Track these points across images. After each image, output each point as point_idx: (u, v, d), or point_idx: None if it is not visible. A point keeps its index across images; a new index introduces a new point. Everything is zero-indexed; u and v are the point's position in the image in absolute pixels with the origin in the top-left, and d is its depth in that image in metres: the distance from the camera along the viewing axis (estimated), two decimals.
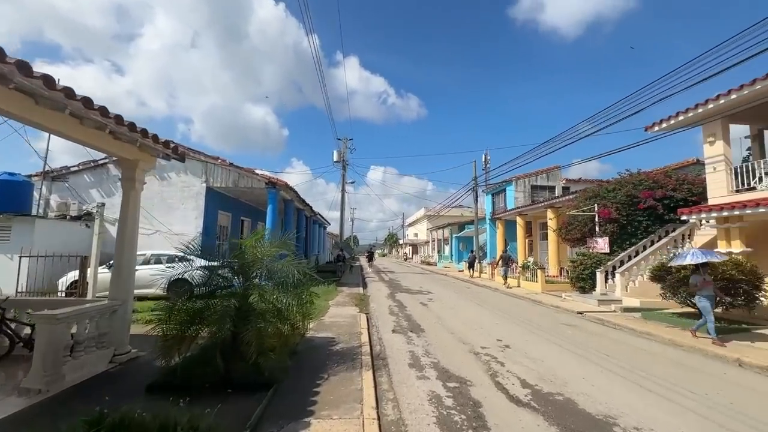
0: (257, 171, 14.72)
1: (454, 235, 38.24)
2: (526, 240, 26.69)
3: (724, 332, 7.69)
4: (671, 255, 12.10)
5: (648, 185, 13.21)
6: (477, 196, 26.34)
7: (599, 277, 12.85)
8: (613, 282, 12.74)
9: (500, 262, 18.45)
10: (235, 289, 5.30)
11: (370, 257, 32.10)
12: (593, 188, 14.59)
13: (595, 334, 8.06)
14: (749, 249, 9.56)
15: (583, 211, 13.92)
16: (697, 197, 12.80)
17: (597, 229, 13.60)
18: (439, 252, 45.19)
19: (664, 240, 12.31)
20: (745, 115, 10.58)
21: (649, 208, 12.92)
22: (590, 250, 13.67)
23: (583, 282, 13.31)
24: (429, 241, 53.11)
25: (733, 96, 9.60)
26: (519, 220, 23.01)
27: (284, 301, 5.05)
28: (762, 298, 8.16)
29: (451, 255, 40.30)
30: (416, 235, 66.62)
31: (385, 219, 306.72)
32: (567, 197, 16.79)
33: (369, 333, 7.48)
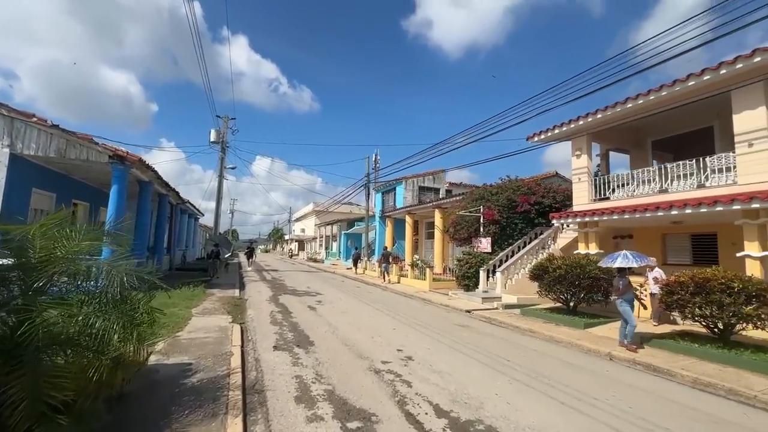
0: (102, 142, 11.10)
1: (343, 232, 37.53)
2: (414, 238, 27.55)
3: (591, 325, 8.49)
4: (542, 255, 13.41)
5: (524, 191, 14.46)
6: (369, 193, 26.05)
7: (482, 275, 13.48)
8: (494, 280, 13.51)
9: (381, 259, 18.84)
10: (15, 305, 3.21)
11: (250, 253, 28.08)
12: (479, 191, 15.39)
13: (487, 335, 7.99)
14: (602, 251, 10.99)
15: (470, 212, 14.52)
16: (559, 204, 14.50)
17: (482, 229, 14.32)
18: (327, 249, 43.98)
19: (535, 241, 13.55)
20: (599, 137, 12.25)
21: (525, 211, 14.13)
22: (475, 250, 14.32)
23: (468, 280, 13.83)
24: (317, 238, 51.45)
25: (599, 115, 10.84)
26: (408, 219, 23.45)
27: (100, 323, 3.22)
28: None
29: (340, 252, 39.54)
30: (303, 230, 64.09)
31: (270, 213, 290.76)
32: (456, 198, 17.51)
33: (243, 352, 5.84)
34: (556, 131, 11.90)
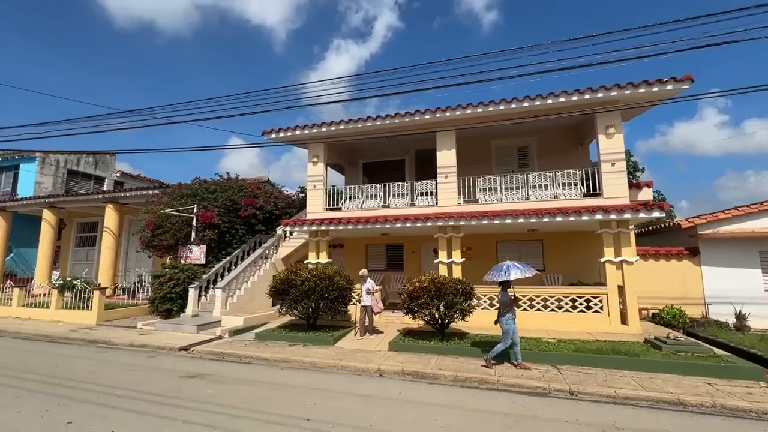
0: None
1: None
2: (54, 245, 18.43)
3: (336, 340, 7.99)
4: (265, 266, 12.00)
5: (249, 193, 12.63)
6: None
7: (192, 294, 10.34)
8: (207, 299, 10.70)
9: None
10: None
11: None
12: (191, 186, 12.02)
13: (240, 383, 5.68)
14: (330, 260, 11.10)
15: (180, 212, 10.95)
16: (280, 211, 13.75)
17: (194, 234, 11.10)
18: None
19: (258, 251, 11.99)
20: (337, 149, 12.67)
21: (249, 216, 12.28)
22: (182, 261, 10.85)
23: (171, 303, 10.18)
24: None
25: (333, 128, 11.07)
26: (48, 216, 15.21)
27: None
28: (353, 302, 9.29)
29: None
30: None
31: None
32: (151, 191, 12.83)
33: None
34: (297, 132, 11.14)
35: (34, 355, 7.25)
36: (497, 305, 9.54)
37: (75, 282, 10.78)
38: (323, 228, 10.58)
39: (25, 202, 15.63)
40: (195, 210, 11.15)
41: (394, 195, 11.05)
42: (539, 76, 7.40)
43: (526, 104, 9.29)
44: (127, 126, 11.69)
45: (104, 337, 8.66)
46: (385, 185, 11.19)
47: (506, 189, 10.24)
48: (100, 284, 11.02)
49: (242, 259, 12.05)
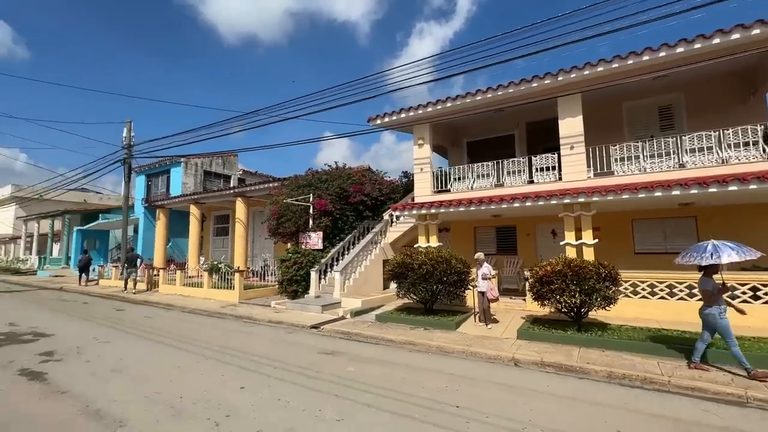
0: None
1: (76, 228, 26.07)
2: (199, 235, 21.84)
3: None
4: (375, 250, 12.33)
5: (356, 180, 13.04)
6: (130, 171, 18.45)
7: (314, 277, 11.11)
8: (326, 282, 11.40)
9: (125, 263, 15.17)
10: None
11: None
12: (306, 177, 12.87)
13: (379, 365, 5.79)
14: (441, 243, 10.84)
15: (298, 201, 11.81)
16: (385, 197, 13.92)
17: (311, 222, 11.90)
18: (42, 254, 29.65)
19: (368, 236, 12.32)
20: (440, 130, 12.26)
21: (357, 202, 12.69)
22: (302, 246, 11.74)
23: (296, 285, 11.11)
24: (20, 237, 34.20)
25: (439, 107, 10.61)
26: (194, 210, 17.96)
27: None
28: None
29: (68, 257, 27.57)
30: None
31: None
32: (272, 184, 14.20)
33: None
34: (402, 116, 11.02)
35: (201, 327, 8.53)
36: (642, 293, 8.28)
37: (220, 266, 12.50)
38: (432, 211, 10.33)
39: (177, 200, 18.70)
40: (311, 199, 11.90)
41: (508, 173, 10.23)
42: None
43: (680, 50, 7.57)
44: (241, 129, 13.00)
45: (247, 313, 9.82)
46: (497, 163, 10.42)
47: (650, 156, 8.63)
48: (239, 268, 12.57)
49: (353, 244, 12.55)
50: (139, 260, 15.11)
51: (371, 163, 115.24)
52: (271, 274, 14.08)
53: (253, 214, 18.17)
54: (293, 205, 11.71)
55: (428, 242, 10.66)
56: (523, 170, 10.04)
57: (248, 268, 15.70)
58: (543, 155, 9.83)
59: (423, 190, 11.22)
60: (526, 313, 8.86)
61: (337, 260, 11.90)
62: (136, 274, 14.55)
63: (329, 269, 11.60)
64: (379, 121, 11.37)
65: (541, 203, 8.78)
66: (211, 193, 17.47)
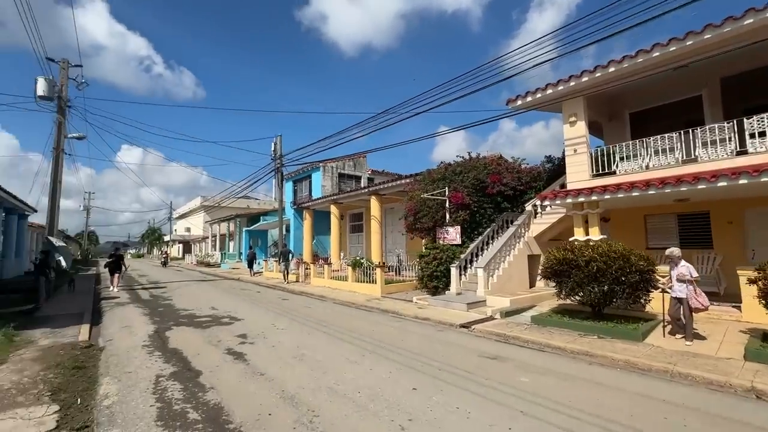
0: None
1: (244, 229, 31.52)
2: (338, 232, 23.88)
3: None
4: (518, 245, 11.28)
5: (493, 170, 12.15)
6: (282, 178, 21.25)
7: (454, 273, 10.71)
8: (466, 278, 10.89)
9: (280, 257, 17.66)
10: None
11: (115, 265, 15.01)
12: (439, 170, 12.57)
13: (558, 378, 5.03)
14: (604, 236, 9.18)
15: (434, 196, 11.59)
16: (525, 185, 12.62)
17: (448, 216, 11.55)
18: (222, 250, 36.92)
19: (511, 229, 11.32)
20: (593, 104, 10.49)
21: (497, 193, 11.82)
22: (441, 242, 11.48)
23: (437, 281, 10.91)
24: (207, 237, 43.35)
25: (598, 74, 8.95)
26: (334, 210, 19.61)
27: None
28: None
29: (240, 253, 33.38)
30: (188, 230, 54.16)
31: (143, 209, 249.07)
32: (404, 180, 14.45)
33: None
34: (549, 92, 9.72)
35: (353, 320, 9.02)
36: None
37: (362, 261, 13.22)
38: (593, 198, 8.77)
39: (318, 201, 20.74)
40: (446, 193, 11.54)
41: (703, 144, 8.00)
42: None
43: None
44: (365, 132, 13.40)
45: (392, 308, 10.03)
46: (684, 133, 8.26)
47: None
48: (381, 263, 13.07)
49: (492, 238, 11.74)
50: (291, 255, 17.68)
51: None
52: (406, 269, 14.31)
53: (385, 211, 18.87)
54: (429, 200, 11.54)
55: (587, 235, 9.15)
56: (728, 138, 7.69)
57: (384, 263, 16.34)
58: (760, 115, 7.33)
59: (578, 175, 9.70)
60: (746, 325, 6.75)
61: (477, 255, 11.28)
62: (289, 267, 16.97)
63: (469, 265, 11.07)
64: (519, 102, 10.28)
65: (765, 179, 6.53)
66: (347, 193, 18.78)
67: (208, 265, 33.21)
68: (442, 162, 13.06)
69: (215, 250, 39.87)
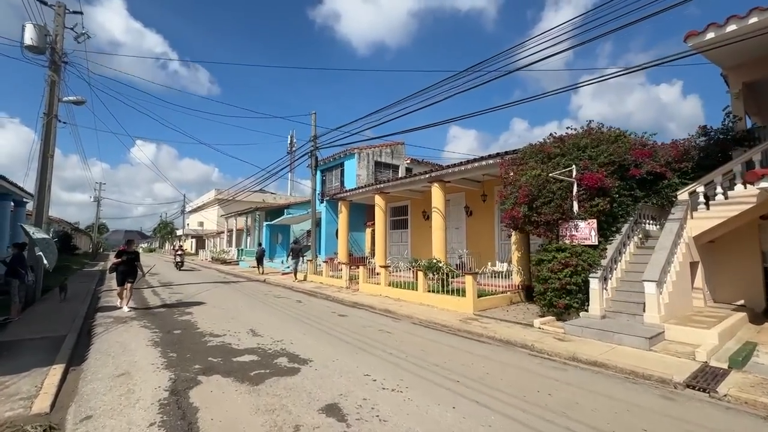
0: None
1: (265, 224, 28.53)
2: (371, 228, 20.70)
3: None
4: (680, 249, 7.93)
5: (632, 144, 8.77)
6: (317, 164, 18.11)
7: (596, 287, 7.40)
8: (609, 294, 7.59)
9: (290, 255, 17.19)
10: None
11: (127, 267, 9.32)
12: (555, 144, 9.19)
13: None
14: None
15: (562, 175, 8.22)
16: (664, 168, 9.19)
17: (576, 206, 8.21)
18: (238, 247, 34.05)
19: (672, 226, 7.93)
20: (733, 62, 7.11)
21: (645, 175, 8.48)
22: (565, 241, 8.15)
23: (569, 297, 7.57)
24: (222, 232, 40.57)
25: None
26: (379, 201, 16.38)
27: None
28: None
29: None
30: (202, 224, 51.63)
31: (156, 202, 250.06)
32: (485, 162, 11.12)
33: None
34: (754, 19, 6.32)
35: (463, 356, 5.76)
36: None
37: (440, 264, 9.96)
38: None
39: (360, 191, 17.51)
40: (573, 173, 8.20)
41: None
42: None
43: None
44: (399, 113, 10.21)
45: (509, 336, 6.75)
46: None
47: None
48: (473, 268, 9.80)
49: (629, 238, 8.45)
50: (302, 252, 17.45)
51: None
52: (485, 276, 11.03)
53: (447, 202, 15.60)
54: (552, 181, 8.19)
55: None
56: None
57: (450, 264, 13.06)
58: None
59: None
60: None
61: (616, 262, 7.99)
62: (298, 266, 16.57)
63: (609, 275, 7.76)
64: (711, 35, 6.89)
65: None
66: (399, 180, 15.49)
67: (225, 262, 30.32)
68: (551, 134, 9.68)
69: (230, 246, 37.04)
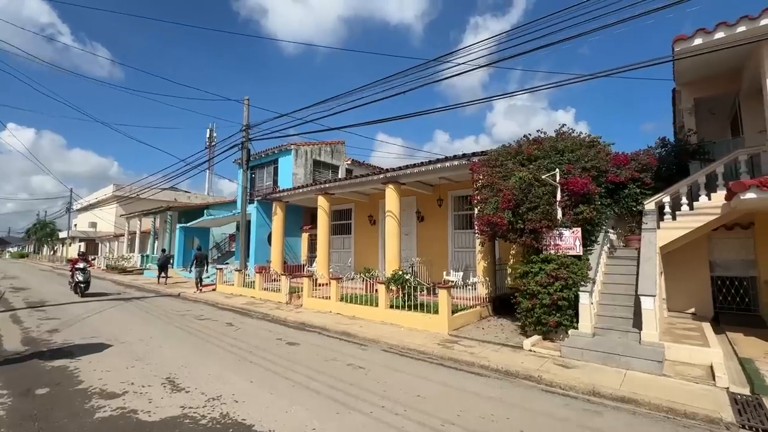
0: None
1: (178, 226, 24.52)
2: (309, 234, 18.84)
3: None
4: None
5: (608, 152, 8.50)
6: (249, 158, 15.61)
7: (585, 302, 6.77)
8: (596, 310, 7.04)
9: (194, 262, 15.58)
10: None
11: None
12: (533, 145, 8.53)
13: None
14: None
15: (547, 178, 7.50)
16: (623, 178, 9.14)
17: (560, 213, 7.57)
18: (142, 252, 28.92)
19: (651, 236, 7.74)
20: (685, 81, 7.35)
21: (619, 184, 8.21)
22: (549, 251, 7.44)
23: (559, 314, 6.81)
24: (122, 235, 34.39)
25: None
26: (323, 203, 14.58)
27: None
28: None
29: (174, 256, 26.15)
30: (94, 225, 43.52)
31: (33, 197, 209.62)
32: (448, 163, 10.14)
33: None
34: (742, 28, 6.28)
35: (459, 396, 4.53)
36: None
37: (406, 276, 8.65)
38: None
39: (300, 191, 15.49)
40: (557, 177, 7.57)
41: None
42: None
43: None
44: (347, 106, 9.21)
45: (509, 365, 5.70)
46: None
47: None
48: (445, 281, 8.62)
49: (602, 248, 8.15)
50: (207, 261, 16.29)
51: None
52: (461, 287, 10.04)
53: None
54: (538, 184, 7.43)
55: None
56: None
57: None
58: None
59: None
60: None
61: (596, 273, 7.53)
62: (203, 275, 15.38)
63: (593, 288, 7.23)
64: (699, 41, 6.73)
65: None
66: (348, 180, 13.88)
67: (125, 271, 25.32)
68: (524, 136, 9.06)
69: (132, 251, 31.44)
